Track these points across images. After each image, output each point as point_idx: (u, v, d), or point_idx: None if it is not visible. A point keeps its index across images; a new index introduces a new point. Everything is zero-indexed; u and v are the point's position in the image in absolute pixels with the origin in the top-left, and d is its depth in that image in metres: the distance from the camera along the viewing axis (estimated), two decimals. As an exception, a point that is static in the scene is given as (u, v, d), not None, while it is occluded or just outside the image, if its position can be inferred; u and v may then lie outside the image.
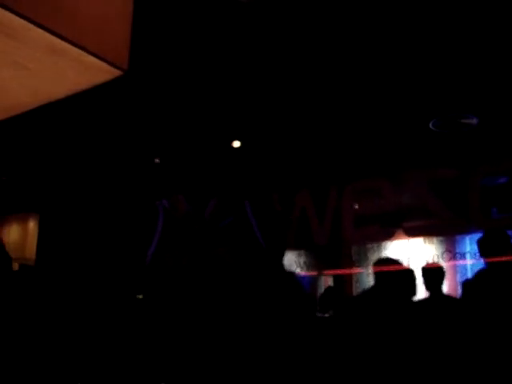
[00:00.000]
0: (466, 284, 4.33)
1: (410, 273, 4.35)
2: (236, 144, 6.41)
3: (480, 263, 4.84)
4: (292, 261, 7.13)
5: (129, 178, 7.23)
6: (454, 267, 6.65)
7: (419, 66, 4.78)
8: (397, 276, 4.17)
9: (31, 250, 9.00)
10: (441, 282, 4.53)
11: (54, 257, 8.15)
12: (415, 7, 3.94)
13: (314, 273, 7.89)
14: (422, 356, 3.42)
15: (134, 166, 7.01)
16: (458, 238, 6.72)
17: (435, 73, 4.90)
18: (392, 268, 4.27)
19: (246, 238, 1.70)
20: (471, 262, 6.24)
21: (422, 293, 4.40)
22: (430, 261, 6.31)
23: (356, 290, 7.57)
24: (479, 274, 3.99)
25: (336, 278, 8.34)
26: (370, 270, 4.70)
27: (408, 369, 3.40)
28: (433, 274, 4.58)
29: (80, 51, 1.33)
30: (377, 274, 4.28)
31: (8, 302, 3.87)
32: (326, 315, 5.80)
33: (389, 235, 6.66)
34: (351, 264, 7.55)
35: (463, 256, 6.40)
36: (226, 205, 1.81)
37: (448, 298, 4.57)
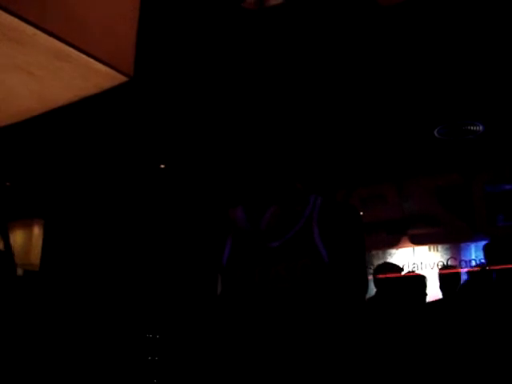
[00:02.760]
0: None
1: (416, 279, 4.34)
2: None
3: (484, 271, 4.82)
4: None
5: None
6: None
7: (424, 74, 4.78)
8: (400, 282, 4.15)
9: (36, 255, 8.99)
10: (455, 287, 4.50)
11: (58, 262, 8.15)
12: (419, 15, 3.94)
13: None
14: (429, 362, 3.40)
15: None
16: (462, 245, 6.70)
17: (440, 81, 4.89)
18: (395, 275, 4.25)
19: (306, 252, 1.54)
20: (476, 269, 6.21)
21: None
22: (438, 267, 6.30)
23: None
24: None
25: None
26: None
27: (415, 375, 3.39)
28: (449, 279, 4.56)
29: (86, 57, 1.33)
30: (378, 281, 4.27)
31: (13, 307, 3.88)
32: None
33: (394, 242, 6.65)
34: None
35: (468, 263, 6.38)
36: (286, 214, 1.62)
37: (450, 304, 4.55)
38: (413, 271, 6.05)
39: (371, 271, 5.99)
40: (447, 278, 4.54)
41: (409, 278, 4.40)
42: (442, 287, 4.46)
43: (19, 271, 8.15)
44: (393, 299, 4.04)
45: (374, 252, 6.90)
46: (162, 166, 7.31)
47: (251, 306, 1.57)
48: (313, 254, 1.55)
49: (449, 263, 6.34)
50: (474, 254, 6.42)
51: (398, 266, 4.56)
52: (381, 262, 6.69)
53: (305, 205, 1.66)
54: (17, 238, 9.57)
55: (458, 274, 4.71)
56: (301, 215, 1.63)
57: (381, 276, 4.32)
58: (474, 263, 6.24)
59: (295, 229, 1.61)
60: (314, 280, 1.52)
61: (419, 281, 4.34)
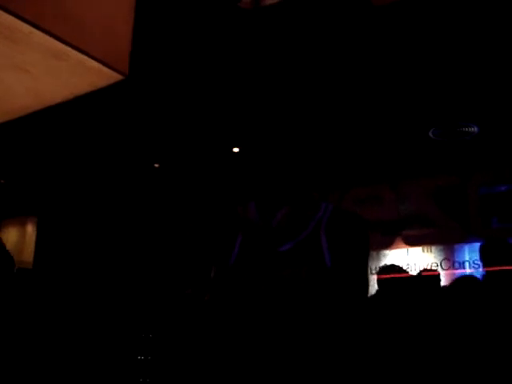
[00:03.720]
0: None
1: (414, 280, 4.36)
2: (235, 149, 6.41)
3: (479, 272, 4.83)
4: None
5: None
6: (453, 276, 6.65)
7: (419, 76, 4.79)
8: (401, 283, 4.16)
9: (29, 253, 8.99)
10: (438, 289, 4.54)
11: (51, 260, 8.14)
12: (413, 15, 3.95)
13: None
14: (425, 362, 3.41)
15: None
16: (456, 246, 6.73)
17: (435, 82, 4.90)
18: (396, 275, 4.26)
19: (312, 258, 1.56)
20: (470, 270, 6.24)
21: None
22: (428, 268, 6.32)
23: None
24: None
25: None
26: (370, 277, 4.70)
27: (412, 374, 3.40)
28: (430, 281, 4.59)
29: (82, 56, 1.33)
30: (380, 281, 4.28)
31: (6, 305, 3.87)
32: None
33: (388, 243, 6.66)
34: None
35: (462, 265, 6.40)
36: (297, 216, 1.64)
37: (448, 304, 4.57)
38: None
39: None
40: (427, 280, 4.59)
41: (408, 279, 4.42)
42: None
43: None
44: (391, 298, 4.05)
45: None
46: (157, 165, 7.30)
47: (253, 307, 1.58)
48: (318, 259, 1.56)
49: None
50: (468, 255, 6.44)
51: (401, 268, 4.58)
52: (374, 263, 6.72)
53: (316, 210, 1.67)
54: (10, 235, 9.55)
55: (438, 277, 4.73)
56: (311, 220, 1.64)
57: (380, 277, 4.34)
58: (467, 265, 6.27)
59: (304, 233, 1.62)
60: (317, 285, 1.53)
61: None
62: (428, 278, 4.64)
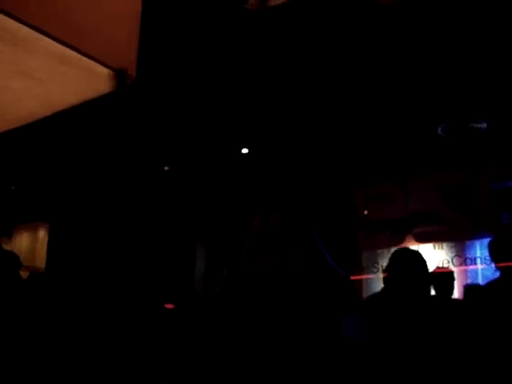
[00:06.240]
0: (471, 289, 4.35)
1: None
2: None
3: (491, 268, 4.82)
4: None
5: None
6: (465, 272, 6.62)
7: (428, 72, 4.78)
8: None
9: (41, 258, 9.04)
10: (451, 287, 4.55)
11: (63, 265, 8.17)
12: (421, 12, 3.94)
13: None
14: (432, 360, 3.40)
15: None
16: (467, 243, 6.70)
17: (443, 79, 4.89)
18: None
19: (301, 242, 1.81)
20: (481, 266, 6.21)
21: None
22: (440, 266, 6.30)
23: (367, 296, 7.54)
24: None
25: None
26: (380, 276, 4.70)
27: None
28: (443, 279, 4.60)
29: (89, 61, 1.34)
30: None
31: (19, 310, 3.89)
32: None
33: (399, 241, 6.63)
34: (362, 270, 7.53)
35: (473, 261, 6.37)
36: (285, 219, 1.97)
37: (458, 302, 4.56)
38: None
39: (375, 270, 5.98)
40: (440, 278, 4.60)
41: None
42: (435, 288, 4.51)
43: (25, 274, 8.19)
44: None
45: (379, 251, 6.91)
46: (166, 168, 7.32)
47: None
48: (306, 242, 1.74)
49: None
50: (479, 251, 6.41)
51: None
52: (386, 261, 6.70)
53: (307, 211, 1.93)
54: (22, 241, 9.61)
55: (452, 274, 4.74)
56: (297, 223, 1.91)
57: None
58: (479, 261, 6.24)
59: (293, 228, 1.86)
60: (306, 262, 1.75)
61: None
62: (442, 275, 4.64)
